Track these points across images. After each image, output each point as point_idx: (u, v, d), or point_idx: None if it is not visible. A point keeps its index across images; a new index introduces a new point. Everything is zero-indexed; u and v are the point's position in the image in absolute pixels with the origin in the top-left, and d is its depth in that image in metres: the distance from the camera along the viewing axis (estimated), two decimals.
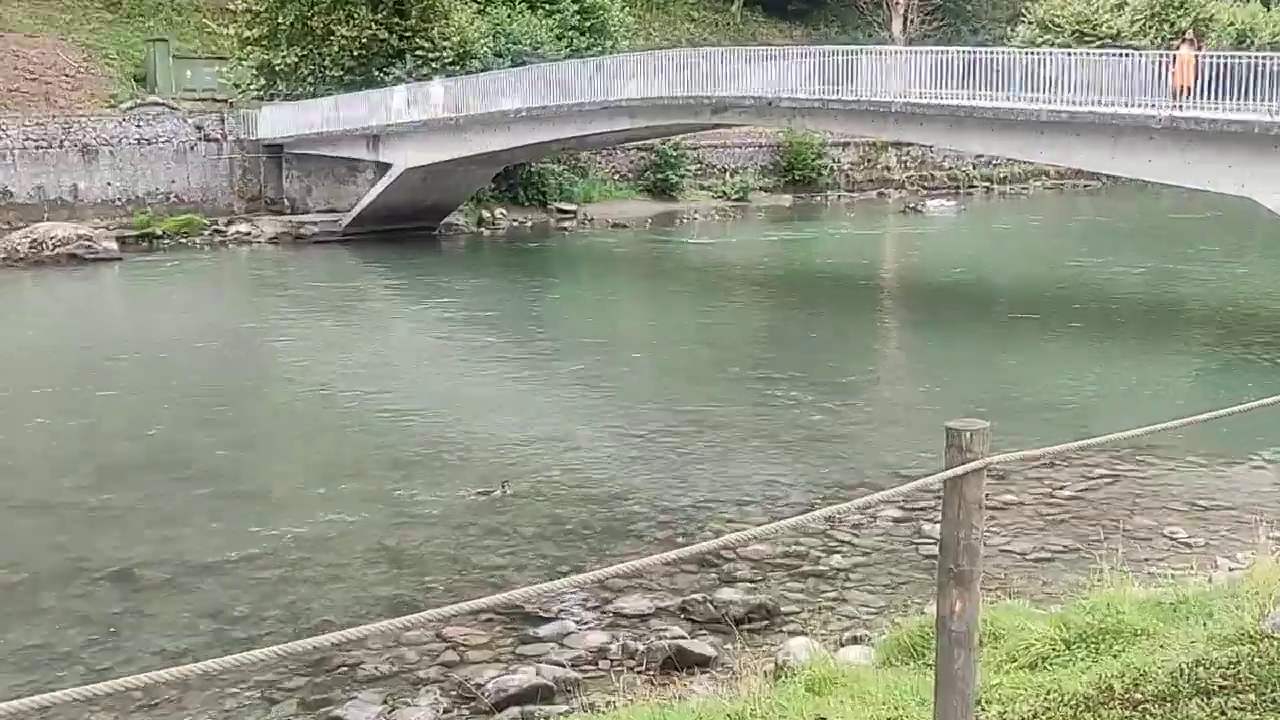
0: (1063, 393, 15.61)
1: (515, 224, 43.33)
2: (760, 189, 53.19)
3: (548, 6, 43.46)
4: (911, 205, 49.50)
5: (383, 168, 36.42)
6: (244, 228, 35.61)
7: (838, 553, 9.68)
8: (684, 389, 16.16)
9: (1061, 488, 11.38)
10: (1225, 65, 19.45)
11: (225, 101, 38.45)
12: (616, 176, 50.08)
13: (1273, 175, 19.05)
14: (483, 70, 35.59)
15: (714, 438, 13.38)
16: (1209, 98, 19.37)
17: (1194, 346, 18.90)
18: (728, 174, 53.14)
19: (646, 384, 16.67)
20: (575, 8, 44.07)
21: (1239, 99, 19.05)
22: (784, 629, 8.06)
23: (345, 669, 7.69)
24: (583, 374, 17.14)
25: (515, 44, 39.56)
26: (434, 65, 36.56)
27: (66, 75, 38.52)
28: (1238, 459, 12.31)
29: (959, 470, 3.84)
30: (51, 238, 30.21)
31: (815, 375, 16.78)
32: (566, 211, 45.60)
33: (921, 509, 10.57)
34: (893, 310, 24.70)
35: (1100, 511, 10.63)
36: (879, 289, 27.57)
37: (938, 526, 4.83)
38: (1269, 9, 56.76)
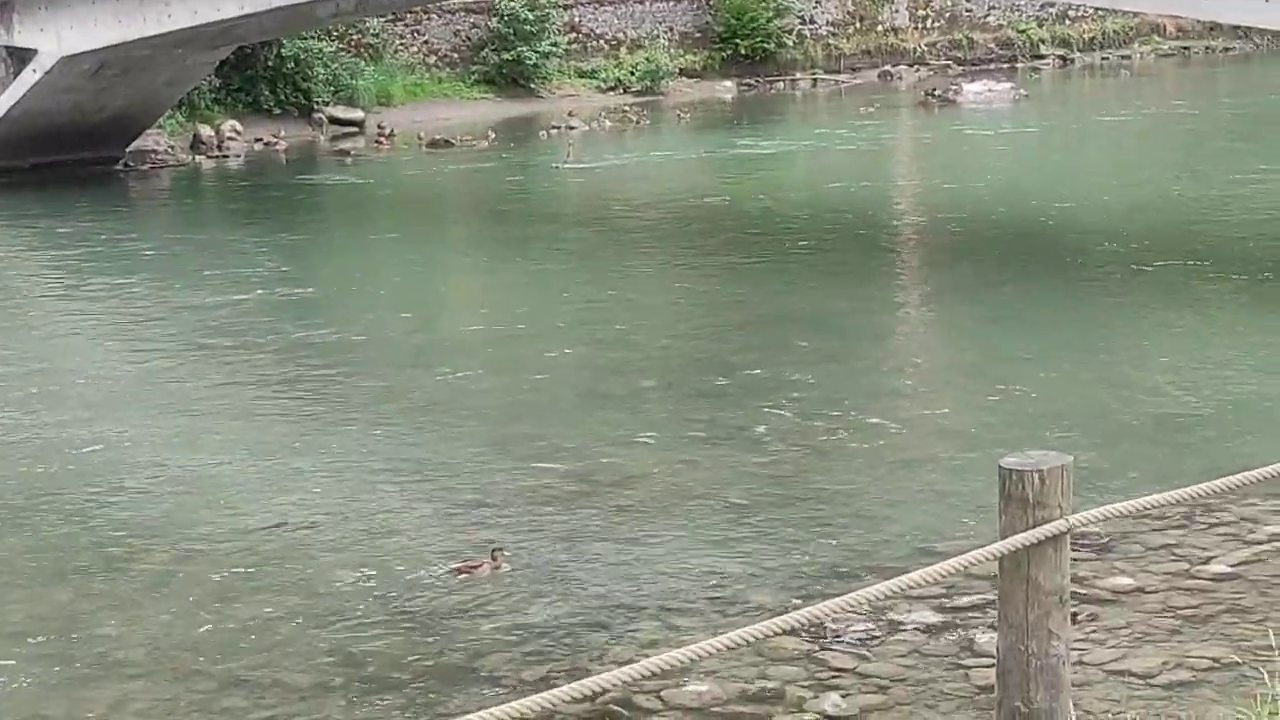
0: (1217, 399, 15.96)
1: (258, 145, 43.05)
2: (680, 72, 53.54)
3: None
4: (937, 92, 50.29)
5: (20, 58, 35.98)
6: None
7: (836, 688, 9.78)
8: (563, 420, 16.23)
9: (1208, 561, 11.62)
10: None
11: None
12: (433, 60, 50.08)
13: None
14: None
15: (617, 502, 13.44)
16: None
17: None
18: (624, 49, 53.43)
19: (497, 414, 16.72)
20: None
21: None
22: None
23: None
24: (386, 401, 17.18)
25: None
26: None
27: None
28: None
29: (1022, 540, 3.93)
30: None
31: (790, 388, 16.90)
32: (347, 122, 45.47)
33: (972, 608, 10.76)
34: (920, 274, 25.08)
35: (1273, 598, 10.89)
36: (895, 238, 27.99)
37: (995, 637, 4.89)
38: None
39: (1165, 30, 58.43)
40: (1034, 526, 3.99)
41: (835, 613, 4.66)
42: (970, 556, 4.16)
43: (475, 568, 11.81)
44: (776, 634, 4.69)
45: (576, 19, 52.93)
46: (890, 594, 4.63)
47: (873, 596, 4.58)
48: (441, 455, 15.16)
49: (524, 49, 49.42)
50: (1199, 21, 47.59)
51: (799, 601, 10.99)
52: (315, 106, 45.11)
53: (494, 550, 11.97)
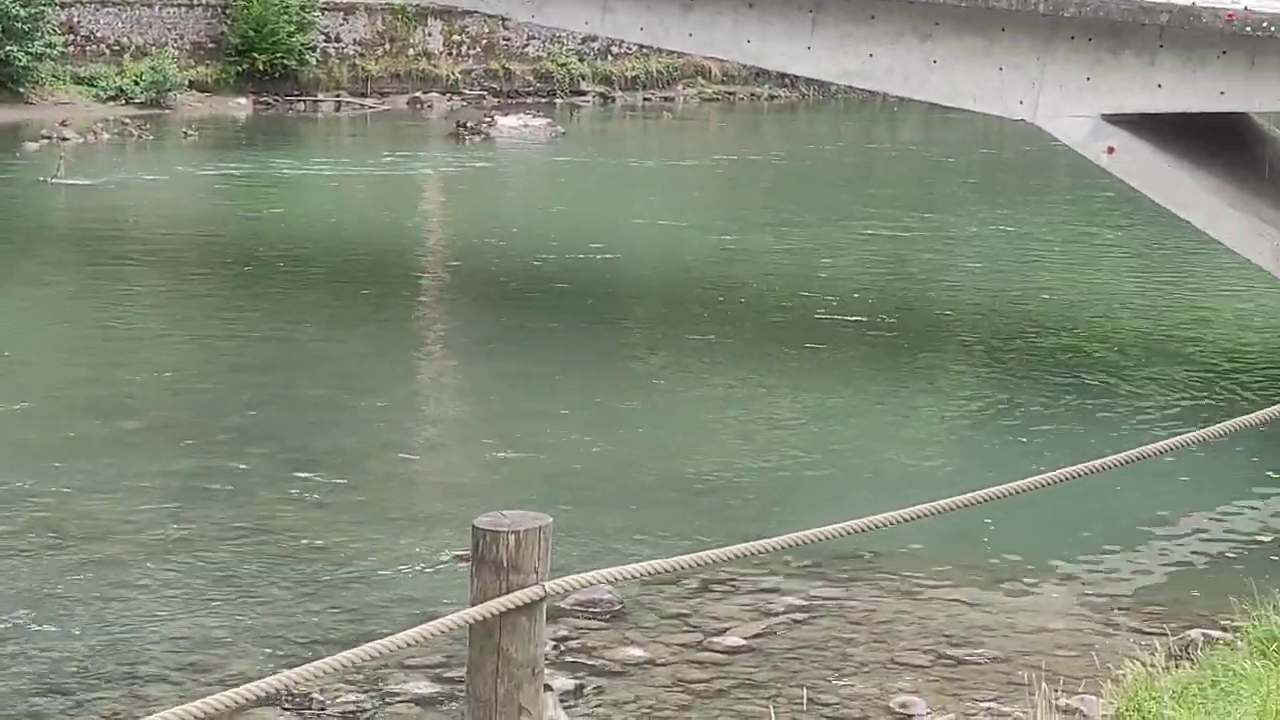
0: (751, 462, 16.56)
1: None
2: (191, 85, 52.81)
3: None
4: (469, 124, 50.64)
5: None
6: None
7: None
8: (31, 465, 15.81)
9: (721, 632, 11.97)
10: None
11: None
12: None
13: (1070, 83, 20.95)
14: None
15: (87, 556, 13.22)
16: None
17: (956, 370, 21.00)
18: (128, 56, 52.44)
19: None
20: None
21: None
22: None
23: None
24: None
25: None
26: None
27: None
28: (1007, 570, 13.46)
29: (493, 607, 4.00)
30: None
31: (289, 438, 16.92)
32: None
33: None
34: (446, 319, 25.19)
35: (784, 673, 11.26)
36: (419, 281, 28.05)
37: None
38: None
39: (710, 73, 60.27)
40: (507, 592, 3.98)
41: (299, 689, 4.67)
42: (436, 625, 4.20)
43: None
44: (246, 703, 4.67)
45: (75, 19, 51.69)
46: (338, 669, 4.70)
47: (349, 666, 4.58)
48: None
49: (14, 49, 48.07)
50: (744, 66, 49.25)
51: (286, 671, 10.95)
52: None
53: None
